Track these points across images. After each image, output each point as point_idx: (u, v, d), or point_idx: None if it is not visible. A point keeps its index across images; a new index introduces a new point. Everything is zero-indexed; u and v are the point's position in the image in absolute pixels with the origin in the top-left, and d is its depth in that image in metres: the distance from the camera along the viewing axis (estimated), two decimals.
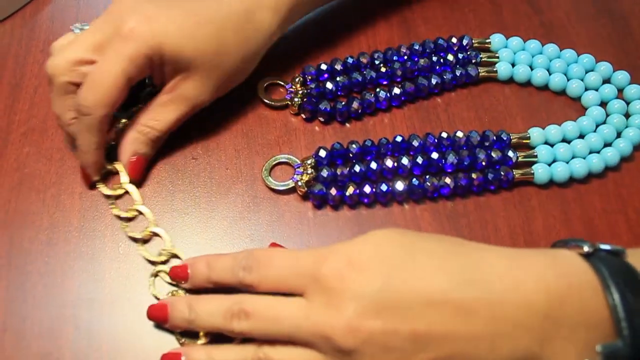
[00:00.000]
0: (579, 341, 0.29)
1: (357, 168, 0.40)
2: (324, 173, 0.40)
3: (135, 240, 0.39)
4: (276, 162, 0.41)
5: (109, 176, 0.41)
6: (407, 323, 0.29)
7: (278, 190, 0.40)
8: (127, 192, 0.40)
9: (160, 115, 0.39)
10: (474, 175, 0.40)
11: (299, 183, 0.40)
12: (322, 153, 0.41)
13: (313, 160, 0.41)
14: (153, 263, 0.38)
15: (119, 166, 0.40)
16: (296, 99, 0.44)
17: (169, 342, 0.35)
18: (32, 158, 0.42)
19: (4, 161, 0.41)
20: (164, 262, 0.38)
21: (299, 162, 0.41)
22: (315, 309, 0.30)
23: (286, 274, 0.32)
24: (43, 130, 0.43)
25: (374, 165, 0.40)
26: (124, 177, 0.40)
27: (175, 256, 0.38)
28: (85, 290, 0.37)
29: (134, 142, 0.39)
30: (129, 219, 0.39)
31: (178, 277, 0.35)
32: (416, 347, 0.29)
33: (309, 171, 0.40)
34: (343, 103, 0.43)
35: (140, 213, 0.39)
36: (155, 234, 0.39)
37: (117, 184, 0.40)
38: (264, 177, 0.40)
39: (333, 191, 0.39)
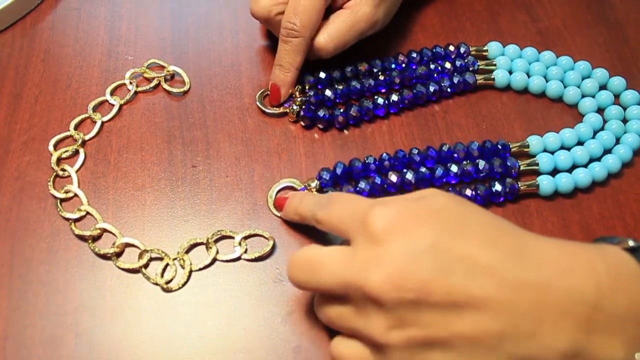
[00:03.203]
0: (627, 335, 0.28)
1: (362, 184, 0.40)
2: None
3: (84, 238, 0.39)
4: (280, 187, 0.41)
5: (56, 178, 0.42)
6: (446, 285, 0.27)
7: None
8: (75, 195, 0.41)
9: (335, 28, 0.43)
10: (479, 191, 0.40)
11: None
12: (326, 175, 0.41)
13: (317, 183, 0.41)
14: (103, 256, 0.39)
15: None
16: (295, 107, 0.44)
17: (170, 349, 0.35)
18: (33, 166, 0.42)
19: (5, 170, 0.42)
20: (95, 238, 0.39)
21: (303, 185, 0.41)
22: (358, 257, 0.29)
23: (344, 213, 0.32)
24: (44, 139, 0.43)
25: (378, 181, 0.40)
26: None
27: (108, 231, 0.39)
28: (87, 298, 0.37)
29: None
30: (78, 219, 0.40)
31: (279, 205, 0.39)
32: (451, 311, 0.27)
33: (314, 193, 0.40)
34: (341, 110, 0.44)
35: (88, 213, 0.40)
36: (105, 230, 0.39)
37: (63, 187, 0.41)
38: (269, 205, 0.40)
39: None
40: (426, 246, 0.28)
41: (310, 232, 0.39)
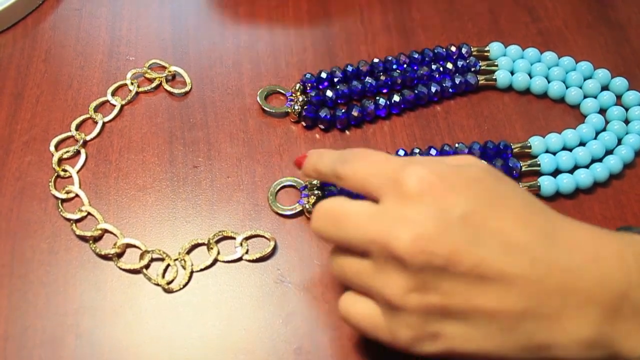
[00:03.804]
0: None
1: None
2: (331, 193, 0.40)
3: (85, 239, 0.39)
4: (281, 185, 0.41)
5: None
6: (476, 257, 0.26)
7: (285, 215, 0.40)
8: (76, 196, 0.41)
9: None
10: None
11: (307, 206, 0.40)
12: None
13: (318, 181, 0.41)
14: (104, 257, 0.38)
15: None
16: (296, 107, 0.44)
17: (171, 350, 0.35)
18: (34, 167, 0.42)
19: (6, 170, 0.42)
20: (97, 238, 0.39)
21: (304, 184, 0.41)
22: (386, 214, 0.28)
23: (372, 170, 0.30)
24: (45, 140, 0.43)
25: None
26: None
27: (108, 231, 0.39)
28: (88, 299, 0.37)
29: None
30: (79, 220, 0.40)
31: (298, 164, 0.36)
32: (477, 284, 0.27)
33: (315, 192, 0.40)
34: (343, 110, 0.44)
35: (89, 214, 0.40)
36: (107, 231, 0.39)
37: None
38: (271, 203, 0.40)
39: None
40: (459, 215, 0.27)
41: (311, 233, 0.39)
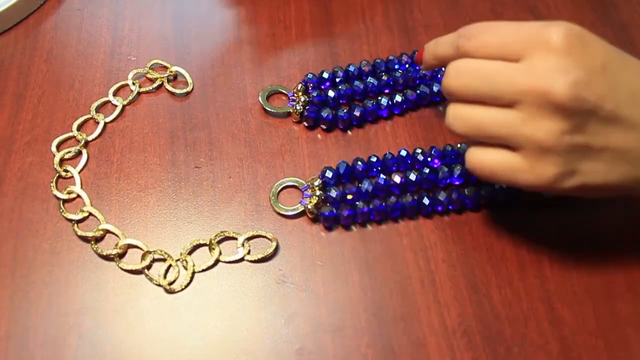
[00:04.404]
0: None
1: (365, 184, 0.40)
2: (333, 194, 0.40)
3: (87, 240, 0.39)
4: (282, 186, 0.41)
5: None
6: (614, 100, 0.31)
7: (287, 215, 0.40)
8: (78, 196, 0.41)
9: None
10: (482, 192, 0.40)
11: (308, 206, 0.40)
12: (329, 174, 0.41)
13: (320, 182, 0.41)
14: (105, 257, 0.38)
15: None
16: (298, 107, 0.44)
17: (172, 351, 0.35)
18: (36, 167, 0.42)
19: (8, 170, 0.42)
20: (98, 239, 0.39)
21: (306, 184, 0.41)
22: (536, 67, 0.31)
23: (508, 37, 0.32)
24: (47, 140, 0.43)
25: (381, 182, 0.40)
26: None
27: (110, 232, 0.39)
28: (89, 299, 0.37)
29: None
30: (81, 220, 0.40)
31: (419, 59, 0.40)
32: (613, 125, 0.31)
33: (317, 193, 0.40)
34: (345, 111, 0.44)
35: (91, 214, 0.40)
36: (108, 231, 0.39)
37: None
38: (272, 204, 0.40)
39: (345, 212, 0.39)
40: (600, 64, 0.31)
41: (313, 234, 0.39)
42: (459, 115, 0.34)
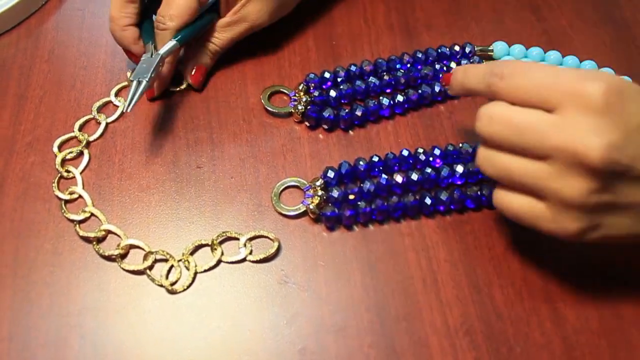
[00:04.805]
0: None
1: (367, 184, 0.40)
2: (335, 194, 0.40)
3: (89, 240, 0.39)
4: (284, 186, 0.41)
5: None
6: None
7: (289, 215, 0.40)
8: (80, 196, 0.41)
9: (222, 34, 0.45)
10: (484, 191, 0.40)
11: (310, 206, 0.39)
12: (331, 174, 0.41)
13: (322, 182, 0.41)
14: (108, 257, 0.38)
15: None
16: (300, 107, 0.44)
17: (174, 351, 0.35)
18: (38, 167, 0.42)
19: (10, 171, 0.42)
20: (100, 239, 0.39)
21: (307, 184, 0.41)
22: (570, 124, 0.30)
23: (542, 85, 0.31)
24: (48, 140, 0.43)
25: (383, 181, 0.40)
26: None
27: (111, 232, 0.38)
28: (91, 300, 0.37)
29: (199, 56, 0.46)
30: (82, 221, 0.40)
31: (445, 82, 0.40)
32: (639, 183, 0.30)
33: (319, 193, 0.40)
34: (346, 110, 0.44)
35: (93, 215, 0.40)
36: (110, 232, 0.39)
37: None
38: (274, 204, 0.40)
39: (346, 212, 0.39)
40: (637, 123, 0.30)
41: (315, 234, 0.39)
42: (489, 159, 0.34)
